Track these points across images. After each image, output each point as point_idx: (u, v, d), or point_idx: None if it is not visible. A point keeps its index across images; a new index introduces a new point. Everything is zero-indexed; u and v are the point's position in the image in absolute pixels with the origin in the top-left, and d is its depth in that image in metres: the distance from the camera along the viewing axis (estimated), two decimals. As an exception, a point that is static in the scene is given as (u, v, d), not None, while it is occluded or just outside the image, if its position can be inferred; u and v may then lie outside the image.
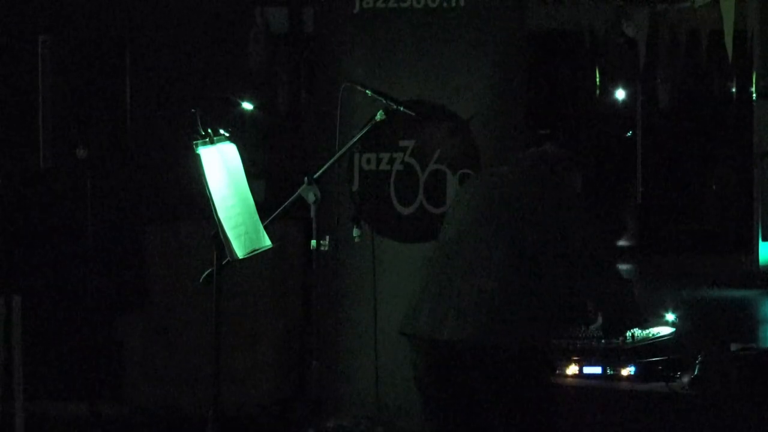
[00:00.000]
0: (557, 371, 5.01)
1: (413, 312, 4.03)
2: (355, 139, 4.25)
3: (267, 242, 4.03)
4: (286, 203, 4.13)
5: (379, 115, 4.19)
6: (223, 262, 3.92)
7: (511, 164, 4.23)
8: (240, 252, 3.86)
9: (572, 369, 5.01)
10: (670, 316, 5.32)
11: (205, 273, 3.98)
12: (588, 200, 4.09)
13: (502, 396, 3.92)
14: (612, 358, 4.98)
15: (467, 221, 4.04)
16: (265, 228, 4.04)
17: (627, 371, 4.93)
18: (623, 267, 4.26)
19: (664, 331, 5.18)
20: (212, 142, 3.86)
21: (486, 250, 3.92)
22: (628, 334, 5.09)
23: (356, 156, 5.49)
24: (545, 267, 3.89)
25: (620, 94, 14.55)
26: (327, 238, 4.09)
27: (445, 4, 5.47)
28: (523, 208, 3.97)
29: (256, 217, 4.00)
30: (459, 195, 4.34)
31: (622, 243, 14.88)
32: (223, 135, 3.92)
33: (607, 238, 4.07)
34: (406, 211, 5.50)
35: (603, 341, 5.09)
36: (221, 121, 3.94)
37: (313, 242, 4.07)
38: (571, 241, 3.91)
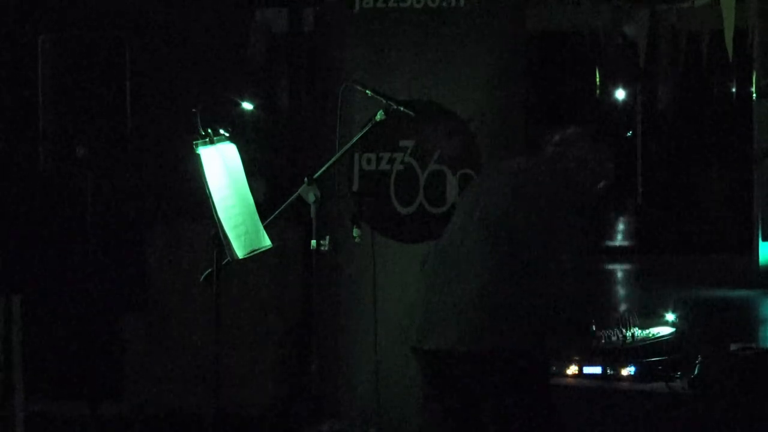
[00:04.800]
0: (557, 371, 4.99)
1: (409, 321, 4.03)
2: (355, 139, 4.25)
3: (267, 242, 4.03)
4: (286, 203, 4.13)
5: (379, 115, 4.19)
6: (223, 262, 3.92)
7: (507, 164, 4.20)
8: (240, 252, 3.87)
9: (572, 369, 5.00)
10: (670, 316, 5.31)
11: (205, 273, 3.98)
12: (595, 210, 4.02)
13: (491, 403, 3.90)
14: (612, 358, 4.98)
15: (458, 226, 4.04)
16: (265, 228, 4.04)
17: (627, 371, 4.93)
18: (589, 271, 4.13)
19: (664, 331, 5.18)
20: (212, 142, 3.87)
21: (472, 255, 3.90)
22: (628, 334, 5.09)
23: (356, 156, 5.49)
24: (531, 271, 3.84)
25: (620, 94, 14.53)
26: (327, 238, 4.08)
27: (444, 4, 5.47)
28: (509, 214, 3.92)
29: (256, 217, 4.00)
30: (459, 198, 4.33)
31: (622, 243, 14.91)
32: (223, 135, 3.92)
33: (586, 250, 3.98)
34: (406, 211, 5.51)
35: (603, 341, 5.08)
36: (221, 121, 3.94)
37: (313, 242, 4.07)
38: (555, 248, 3.85)
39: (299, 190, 4.05)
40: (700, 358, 4.79)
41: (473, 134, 5.44)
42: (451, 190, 5.45)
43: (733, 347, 4.93)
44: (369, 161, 5.53)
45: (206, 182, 3.82)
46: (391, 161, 5.51)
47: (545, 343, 3.90)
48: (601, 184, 4.12)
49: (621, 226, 14.94)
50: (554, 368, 4.98)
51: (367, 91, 4.30)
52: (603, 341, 5.09)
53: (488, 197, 4.00)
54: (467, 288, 3.84)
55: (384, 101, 4.22)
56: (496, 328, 3.79)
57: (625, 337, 5.07)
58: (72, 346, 6.53)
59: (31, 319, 6.00)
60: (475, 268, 3.86)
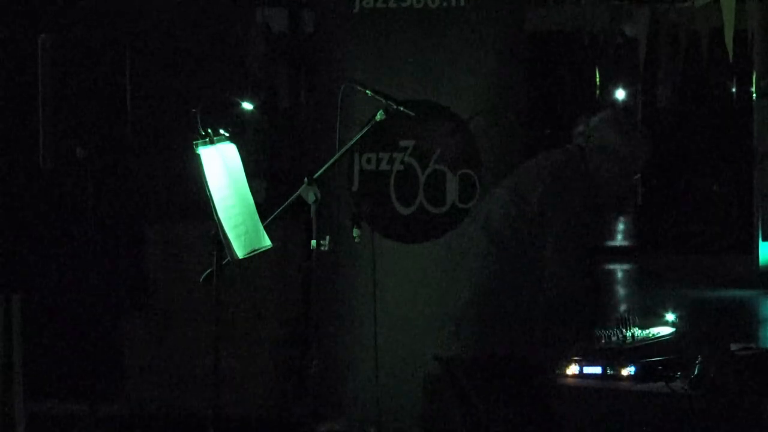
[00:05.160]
0: (557, 372, 4.99)
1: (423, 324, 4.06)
2: (355, 139, 4.25)
3: (267, 242, 4.03)
4: (286, 203, 4.13)
5: (379, 115, 4.18)
6: (223, 262, 3.92)
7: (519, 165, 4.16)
8: (240, 252, 3.87)
9: (572, 369, 5.00)
10: (670, 316, 5.31)
11: (205, 273, 3.98)
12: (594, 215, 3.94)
13: (491, 407, 3.89)
14: (612, 358, 4.97)
15: (465, 230, 4.04)
16: (265, 228, 4.04)
17: (627, 371, 4.92)
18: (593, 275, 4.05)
19: (664, 331, 5.17)
20: (212, 142, 3.87)
21: (473, 258, 3.89)
22: (628, 334, 5.09)
23: (356, 156, 5.49)
24: (530, 273, 3.81)
25: (620, 94, 14.52)
26: (327, 238, 4.08)
27: (445, 4, 5.47)
28: (508, 215, 3.89)
29: (256, 217, 4.00)
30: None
31: (622, 243, 14.90)
32: (223, 135, 3.92)
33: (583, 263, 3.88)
34: (406, 211, 5.51)
35: (603, 341, 5.08)
36: (221, 121, 3.94)
37: (313, 242, 4.06)
38: (555, 250, 3.80)
39: (299, 190, 4.04)
40: (700, 358, 4.78)
41: (473, 134, 5.44)
42: (451, 190, 5.45)
43: (733, 347, 4.92)
44: (369, 161, 5.53)
45: (206, 182, 3.82)
46: (391, 161, 5.51)
47: (546, 348, 3.88)
48: (628, 170, 3.98)
49: (621, 226, 14.94)
50: (554, 369, 4.98)
51: (367, 91, 4.30)
52: (603, 341, 5.09)
53: (492, 199, 4.00)
54: (468, 291, 3.83)
55: (384, 101, 4.21)
56: (496, 333, 3.78)
57: (625, 337, 5.06)
58: (72, 346, 6.53)
59: (31, 319, 6.01)
60: (476, 271, 3.85)
